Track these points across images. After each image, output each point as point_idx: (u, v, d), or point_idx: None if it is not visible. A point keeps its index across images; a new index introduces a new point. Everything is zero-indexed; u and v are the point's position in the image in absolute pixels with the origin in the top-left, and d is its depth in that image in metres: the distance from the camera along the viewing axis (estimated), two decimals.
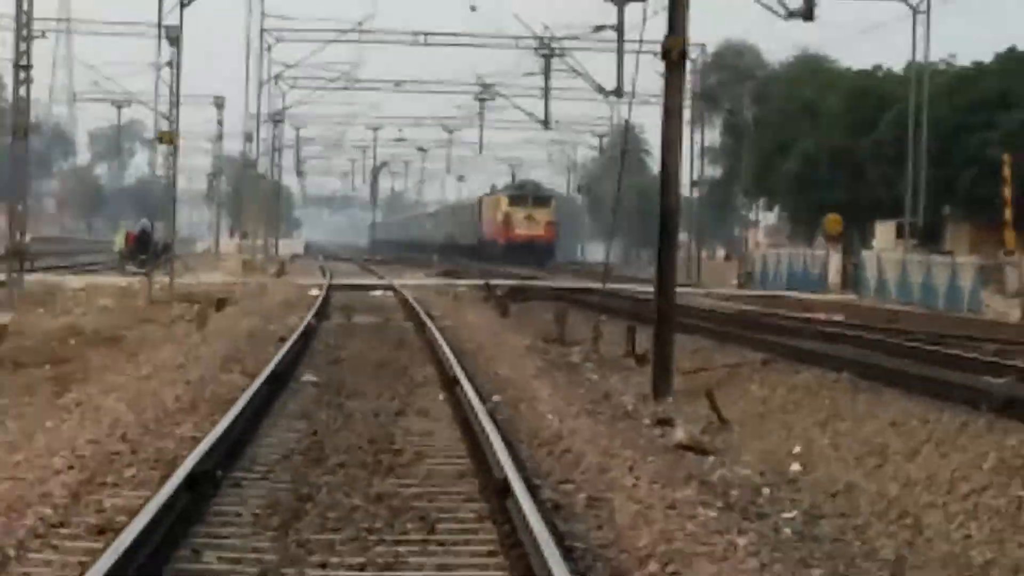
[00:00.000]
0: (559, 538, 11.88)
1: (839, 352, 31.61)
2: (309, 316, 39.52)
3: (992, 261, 64.58)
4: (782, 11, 51.75)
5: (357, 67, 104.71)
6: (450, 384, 24.16)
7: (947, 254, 70.21)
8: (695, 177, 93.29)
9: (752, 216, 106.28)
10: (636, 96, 50.95)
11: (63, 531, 12.44)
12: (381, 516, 13.91)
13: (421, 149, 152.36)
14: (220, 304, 46.02)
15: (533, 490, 14.05)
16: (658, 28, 29.77)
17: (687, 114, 33.47)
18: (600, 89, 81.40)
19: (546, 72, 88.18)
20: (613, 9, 72.21)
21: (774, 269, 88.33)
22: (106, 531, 12.00)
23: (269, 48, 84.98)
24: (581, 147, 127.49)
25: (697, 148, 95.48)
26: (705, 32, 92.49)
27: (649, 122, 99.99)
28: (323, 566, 11.71)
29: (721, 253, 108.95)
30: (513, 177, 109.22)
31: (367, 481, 15.80)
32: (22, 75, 52.83)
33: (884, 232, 76.94)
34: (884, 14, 66.00)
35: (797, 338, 36.28)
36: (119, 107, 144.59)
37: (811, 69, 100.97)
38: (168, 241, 63.88)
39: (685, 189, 60.25)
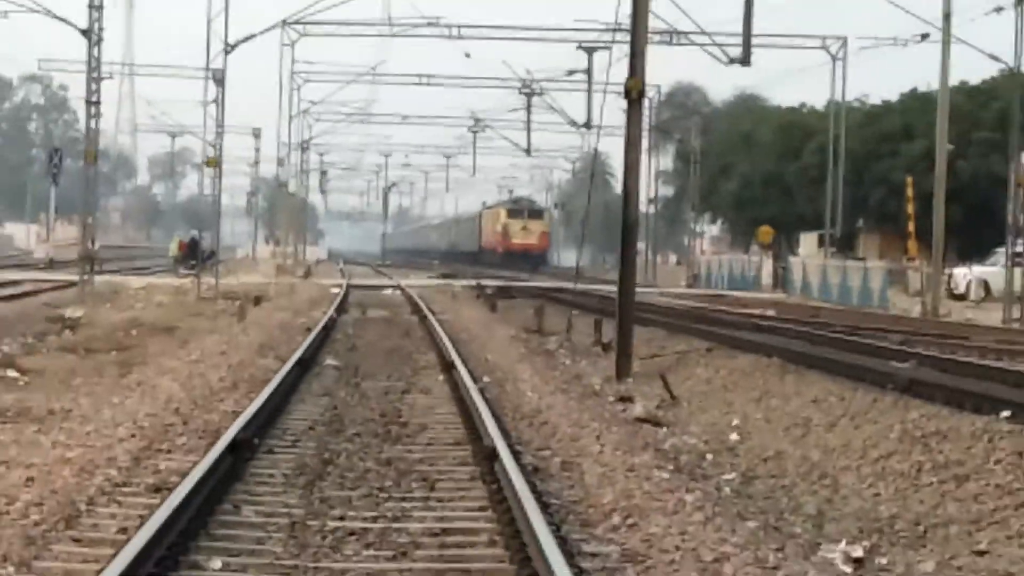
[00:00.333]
0: (538, 496, 11.89)
1: (771, 341, 31.63)
2: (331, 311, 39.48)
3: (897, 266, 64.71)
4: (724, 58, 51.74)
5: (371, 104, 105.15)
6: (448, 367, 24.16)
7: (860, 260, 70.28)
8: (651, 195, 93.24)
9: (698, 228, 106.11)
10: (603, 128, 51.17)
11: (125, 489, 12.46)
12: (390, 477, 13.98)
13: (425, 173, 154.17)
14: (257, 301, 45.97)
15: (516, 455, 14.07)
16: (621, 72, 29.83)
17: (645, 143, 33.47)
18: (573, 122, 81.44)
19: (528, 108, 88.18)
20: (584, 56, 72.36)
21: (717, 272, 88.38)
22: (161, 489, 12.01)
23: (299, 87, 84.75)
24: (557, 170, 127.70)
25: (653, 172, 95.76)
26: (660, 75, 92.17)
27: (613, 150, 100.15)
28: (342, 518, 11.74)
29: (673, 259, 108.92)
30: (510, 193, 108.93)
31: (378, 448, 15.86)
32: (92, 110, 52.70)
33: (808, 241, 77.02)
34: (808, 60, 66.18)
35: (736, 329, 36.31)
36: (173, 136, 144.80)
37: (747, 106, 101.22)
38: (213, 248, 63.77)
39: (643, 205, 60.10)
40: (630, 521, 11.69)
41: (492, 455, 13.97)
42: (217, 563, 9.97)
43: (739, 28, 49.24)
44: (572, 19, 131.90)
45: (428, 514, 12.11)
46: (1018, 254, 51.55)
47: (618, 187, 46.70)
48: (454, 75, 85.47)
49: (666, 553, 10.45)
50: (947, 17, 51.33)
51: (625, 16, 29.28)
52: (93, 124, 54.32)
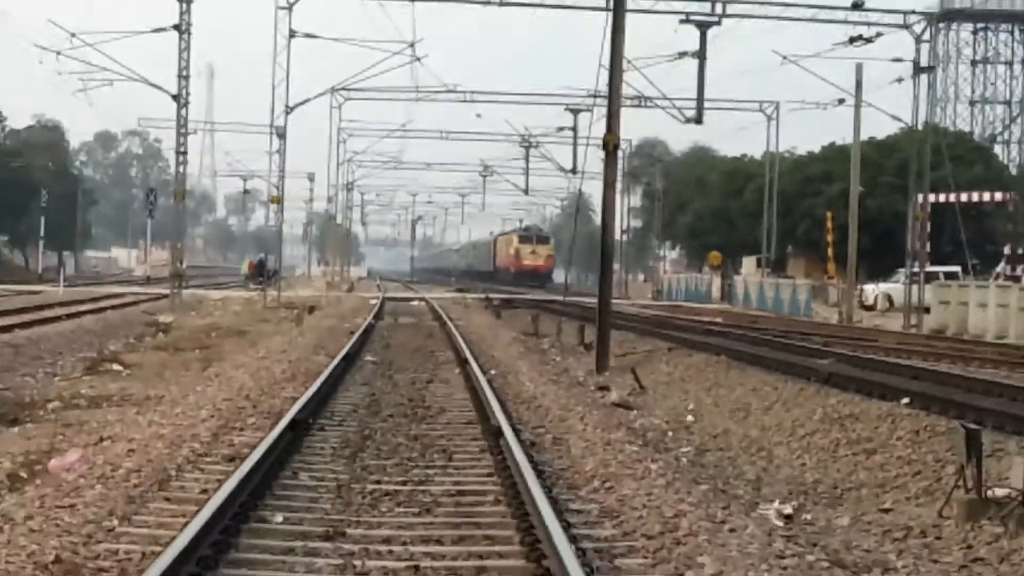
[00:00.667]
0: (534, 464, 11.92)
1: (718, 342, 31.59)
2: (369, 317, 39.46)
3: (819, 283, 64.67)
4: (682, 118, 51.69)
5: (401, 153, 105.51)
6: (463, 363, 24.14)
7: (789, 278, 70.34)
8: (624, 227, 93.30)
9: (661, 253, 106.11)
10: (585, 174, 51.24)
11: (206, 459, 12.48)
12: (416, 449, 13.99)
13: (445, 214, 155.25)
14: (311, 310, 45.93)
15: (517, 432, 14.06)
16: (600, 129, 30.06)
17: (619, 186, 33.47)
18: (562, 169, 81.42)
19: (526, 157, 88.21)
20: (570, 116, 72.56)
21: (676, 287, 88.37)
22: (235, 459, 12.02)
23: (344, 140, 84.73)
24: (549, 207, 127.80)
25: (625, 208, 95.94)
26: (630, 131, 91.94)
27: (594, 191, 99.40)
28: (378, 483, 11.77)
29: (641, 277, 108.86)
30: (520, 223, 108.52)
31: (407, 427, 15.84)
32: (180, 159, 52.75)
33: (748, 263, 76.96)
34: (748, 120, 66.43)
35: (691, 333, 36.27)
36: (244, 179, 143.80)
37: (700, 156, 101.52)
38: (276, 268, 63.84)
39: (617, 235, 60.10)
40: (607, 485, 11.70)
41: (498, 432, 14.00)
42: (279, 518, 9.99)
43: (694, 94, 49.17)
44: (561, 87, 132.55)
45: (447, 479, 12.15)
46: (915, 274, 51.63)
47: (598, 220, 46.91)
48: (468, 131, 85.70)
49: (635, 510, 10.46)
50: (859, 86, 51.44)
51: (603, 85, 29.37)
52: (181, 170, 54.42)
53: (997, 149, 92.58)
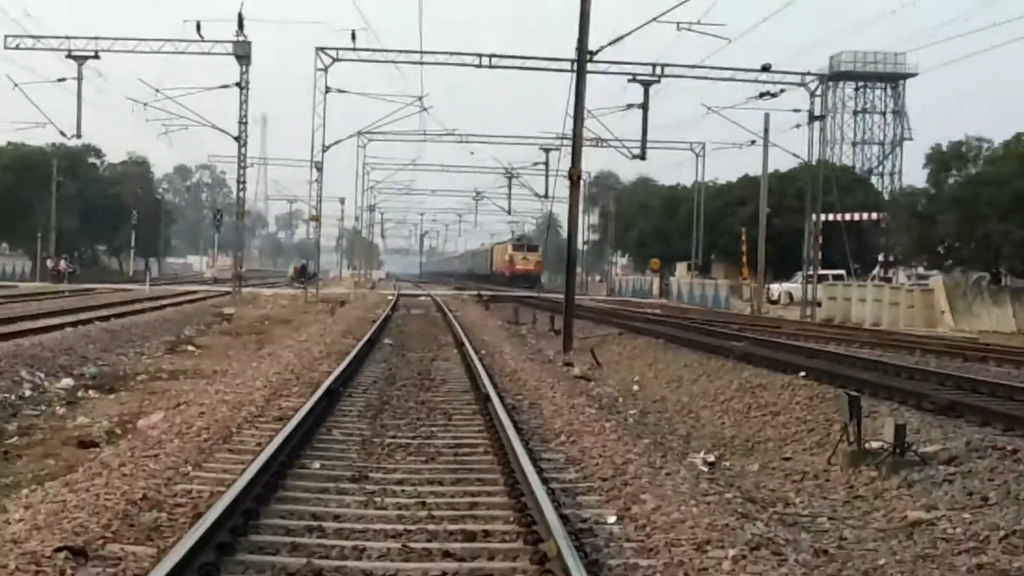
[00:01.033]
0: (515, 423, 11.91)
1: (657, 329, 31.67)
2: (387, 310, 39.43)
3: (735, 283, 64.77)
4: (629, 155, 51.79)
5: (412, 183, 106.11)
6: (459, 344, 24.13)
7: (712, 279, 70.56)
8: (585, 239, 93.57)
9: (613, 259, 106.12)
10: (555, 198, 51.56)
11: (260, 419, 12.47)
12: (423, 411, 13.97)
13: (447, 230, 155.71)
14: (342, 303, 45.91)
15: (501, 398, 14.06)
16: (566, 163, 30.00)
17: (581, 208, 33.58)
18: (537, 194, 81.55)
19: (509, 185, 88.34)
20: (543, 154, 72.81)
21: (624, 287, 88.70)
22: (283, 419, 12.00)
23: (368, 172, 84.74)
24: (527, 224, 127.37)
25: (585, 225, 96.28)
26: (590, 165, 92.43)
27: (561, 211, 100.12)
28: (394, 437, 11.78)
29: (598, 278, 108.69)
30: (512, 233, 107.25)
31: (416, 394, 15.81)
32: (240, 186, 52.77)
33: (681, 268, 77.07)
34: (682, 156, 66.91)
35: (636, 322, 36.33)
36: (290, 202, 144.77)
37: (644, 185, 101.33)
38: (315, 271, 63.86)
39: (580, 246, 60.23)
40: (572, 439, 11.73)
41: (486, 398, 14.01)
42: (317, 464, 10.00)
43: (639, 137, 49.21)
44: (537, 131, 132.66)
45: (447, 435, 12.15)
46: (809, 276, 51.83)
47: (565, 234, 47.05)
48: (463, 165, 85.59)
49: (593, 459, 10.49)
50: (766, 130, 51.57)
51: (569, 130, 29.43)
52: (241, 195, 54.47)
53: (874, 180, 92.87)
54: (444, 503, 8.64)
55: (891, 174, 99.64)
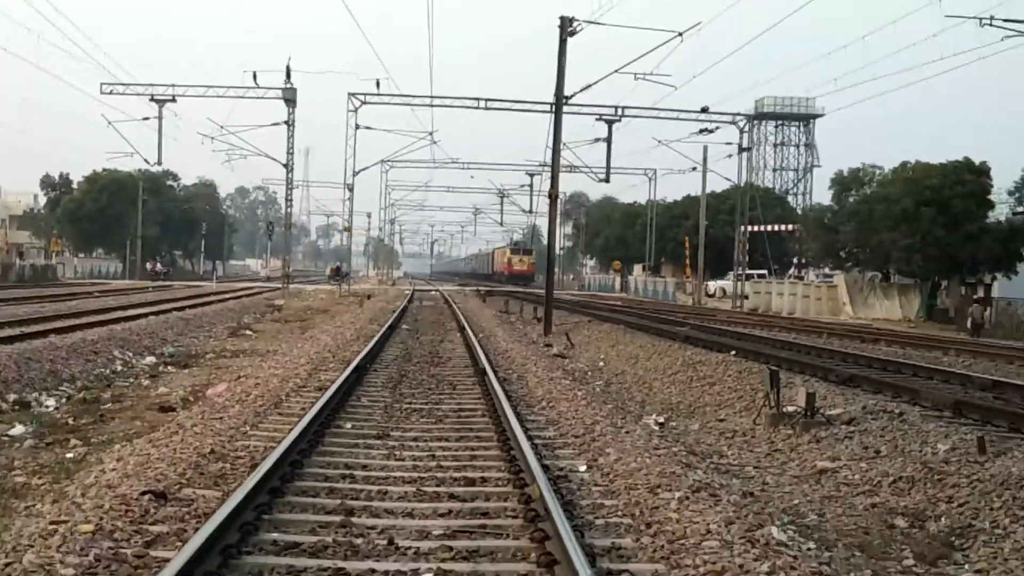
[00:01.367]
0: (505, 392, 11.91)
1: (619, 317, 31.69)
2: (405, 302, 39.38)
3: (680, 280, 64.78)
4: (596, 179, 51.80)
5: (424, 201, 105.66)
6: (461, 329, 24.10)
7: (662, 277, 70.53)
8: (561, 246, 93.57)
9: (584, 262, 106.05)
10: (537, 213, 51.44)
11: (304, 389, 12.44)
12: (433, 383, 13.95)
13: (452, 238, 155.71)
14: (368, 297, 45.81)
15: (495, 372, 14.07)
16: (546, 185, 30.02)
17: (558, 221, 33.43)
18: (523, 210, 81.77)
19: (501, 203, 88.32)
20: (528, 177, 72.91)
21: (593, 283, 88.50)
22: (322, 389, 11.97)
23: (389, 192, 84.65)
24: (515, 234, 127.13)
25: (562, 234, 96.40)
26: (565, 186, 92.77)
27: (543, 223, 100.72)
28: (410, 403, 11.76)
29: (571, 277, 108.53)
30: (510, 239, 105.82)
31: (427, 369, 15.79)
32: (288, 204, 52.54)
33: (637, 269, 77.02)
34: (637, 180, 67.09)
35: (602, 311, 36.35)
36: (327, 216, 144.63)
37: (608, 203, 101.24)
38: (347, 271, 63.74)
39: (557, 250, 60.28)
40: (551, 404, 11.74)
41: (483, 372, 14.00)
42: (348, 425, 10.00)
43: (604, 164, 49.13)
44: (523, 159, 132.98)
45: (452, 401, 12.13)
46: (739, 275, 51.93)
47: (546, 242, 46.98)
48: (465, 186, 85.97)
49: (566, 420, 10.50)
50: (705, 159, 51.52)
51: (549, 159, 29.36)
52: (288, 210, 54.12)
53: (790, 199, 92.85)
54: (449, 455, 8.65)
55: (803, 194, 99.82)
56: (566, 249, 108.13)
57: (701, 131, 47.31)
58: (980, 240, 41.87)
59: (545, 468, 7.55)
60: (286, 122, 49.33)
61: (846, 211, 49.42)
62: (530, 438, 8.83)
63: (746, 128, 50.15)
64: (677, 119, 47.33)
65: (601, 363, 19.94)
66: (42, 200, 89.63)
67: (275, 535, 5.94)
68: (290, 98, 48.30)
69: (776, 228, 64.74)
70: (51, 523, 5.85)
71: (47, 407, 12.27)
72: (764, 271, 60.21)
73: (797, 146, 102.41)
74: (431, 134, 54.89)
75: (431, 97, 48.93)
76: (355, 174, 54.74)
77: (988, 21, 23.28)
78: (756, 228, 58.35)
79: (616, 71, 29.52)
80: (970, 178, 42.98)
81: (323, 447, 8.71)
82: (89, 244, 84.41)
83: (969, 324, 33.15)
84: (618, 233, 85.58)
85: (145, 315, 25.72)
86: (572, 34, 26.97)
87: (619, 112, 45.71)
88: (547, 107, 32.27)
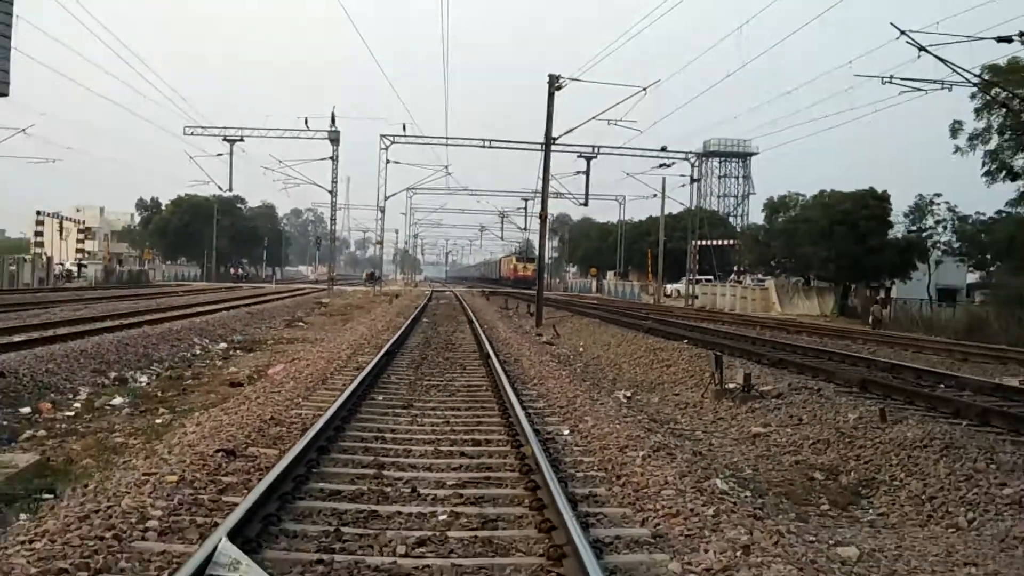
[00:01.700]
0: (505, 372, 11.85)
1: (596, 312, 31.64)
2: (425, 300, 39.33)
3: (644, 284, 64.64)
4: (577, 203, 51.81)
5: (440, 220, 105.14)
6: (470, 322, 24.05)
7: (630, 281, 70.35)
8: (549, 256, 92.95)
9: (567, 269, 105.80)
10: (530, 230, 51.27)
11: (345, 369, 12.38)
12: (447, 364, 13.87)
13: (462, 249, 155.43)
14: (396, 296, 45.73)
15: (497, 356, 14.00)
16: (538, 208, 29.86)
17: (547, 236, 33.25)
18: (519, 228, 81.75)
19: (501, 223, 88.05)
20: (523, 201, 73.03)
21: (575, 286, 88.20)
22: (359, 369, 11.93)
23: (412, 213, 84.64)
24: (513, 246, 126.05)
25: (550, 247, 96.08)
26: (553, 209, 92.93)
27: (535, 239, 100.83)
28: (429, 380, 11.67)
29: (557, 281, 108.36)
30: (522, 246, 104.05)
31: (443, 353, 15.72)
32: (332, 223, 52.40)
33: (610, 274, 76.86)
34: (609, 204, 67.57)
35: (581, 308, 36.28)
36: (363, 232, 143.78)
37: (587, 222, 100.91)
38: (379, 275, 63.70)
39: (546, 260, 60.29)
40: (541, 382, 11.68)
41: (487, 356, 13.94)
42: (380, 397, 9.96)
43: (583, 191, 49.05)
44: (519, 186, 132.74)
45: (462, 379, 12.04)
46: (690, 280, 51.92)
47: (534, 253, 47.09)
48: (473, 209, 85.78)
49: (553, 394, 10.47)
50: (663, 188, 51.44)
51: (539, 187, 29.29)
52: (332, 228, 54.07)
53: (731, 220, 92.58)
54: (460, 422, 8.63)
55: (742, 216, 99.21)
56: (553, 259, 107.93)
57: (661, 165, 47.32)
58: (882, 252, 42.13)
59: (536, 432, 7.54)
60: (331, 157, 49.26)
61: (776, 229, 49.45)
62: (524, 408, 8.81)
63: (696, 163, 50.20)
64: (642, 156, 47.35)
65: (581, 349, 19.90)
66: (137, 218, 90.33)
67: (321, 485, 5.92)
68: (334, 139, 48.24)
69: (720, 243, 64.74)
70: (144, 474, 5.84)
71: (141, 383, 12.26)
72: (710, 277, 60.14)
73: (737, 178, 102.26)
74: (446, 167, 54.97)
75: (446, 138, 49.44)
76: (386, 199, 54.85)
77: (889, 79, 23.23)
78: (704, 243, 58.43)
79: (593, 118, 29.45)
80: (874, 203, 43.12)
81: (360, 415, 8.68)
82: (174, 253, 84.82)
83: (871, 319, 33.18)
84: (595, 246, 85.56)
85: (218, 310, 25.69)
86: (559, 88, 26.95)
87: (595, 150, 45.66)
88: (538, 146, 32.19)
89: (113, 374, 12.54)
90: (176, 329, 18.27)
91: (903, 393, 11.45)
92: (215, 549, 4.07)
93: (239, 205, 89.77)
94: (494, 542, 4.82)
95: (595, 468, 6.66)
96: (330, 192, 50.78)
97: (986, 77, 28.21)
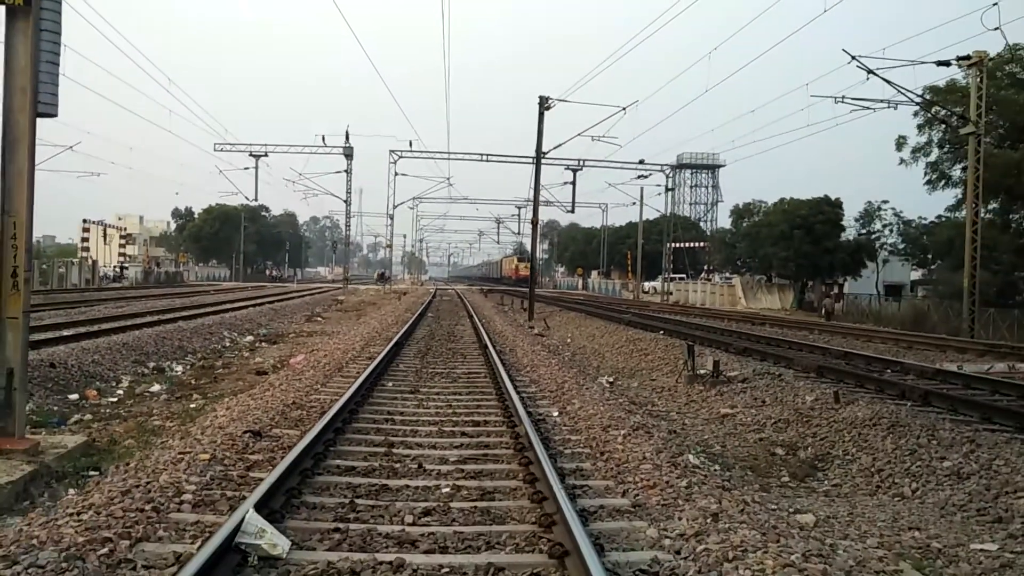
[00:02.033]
0: (501, 360, 11.82)
1: (581, 307, 31.57)
2: (430, 298, 39.27)
3: (624, 281, 64.62)
4: (564, 211, 51.76)
5: (443, 226, 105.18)
6: (470, 316, 24.01)
7: (612, 279, 70.31)
8: (540, 257, 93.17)
9: (556, 269, 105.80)
10: (523, 234, 51.06)
11: (359, 358, 12.31)
12: (449, 354, 13.81)
13: (463, 252, 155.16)
14: (404, 293, 45.65)
15: (494, 346, 13.97)
16: (530, 214, 29.77)
17: (538, 240, 33.26)
18: (513, 232, 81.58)
19: (498, 228, 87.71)
20: (516, 209, 72.81)
21: (563, 284, 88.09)
22: (371, 358, 11.89)
23: (418, 220, 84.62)
24: (507, 249, 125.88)
25: (541, 249, 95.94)
26: (543, 216, 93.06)
27: (527, 242, 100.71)
28: (434, 368, 11.62)
29: (547, 279, 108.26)
30: (516, 249, 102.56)
31: (446, 344, 15.66)
32: (346, 229, 52.19)
33: (594, 274, 76.86)
34: (593, 211, 67.36)
35: (569, 303, 36.16)
36: (375, 236, 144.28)
37: (574, 228, 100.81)
38: (389, 276, 63.52)
39: (539, 262, 60.16)
40: (533, 369, 11.65)
41: (486, 346, 13.91)
42: (390, 383, 9.93)
43: (570, 200, 49.04)
44: (513, 195, 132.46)
45: (463, 367, 11.98)
46: (665, 278, 51.92)
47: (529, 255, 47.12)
48: (471, 215, 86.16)
49: (545, 380, 10.45)
50: (641, 197, 51.41)
51: (531, 196, 29.23)
52: (347, 233, 53.92)
53: (702, 225, 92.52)
54: (462, 405, 8.61)
55: (711, 221, 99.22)
56: (543, 260, 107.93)
57: (639, 176, 47.30)
58: (835, 253, 42.39)
59: (529, 413, 7.53)
60: (345, 171, 49.19)
61: (741, 233, 49.61)
62: (518, 392, 8.80)
63: (670, 175, 50.18)
64: (622, 168, 47.31)
65: (569, 340, 19.87)
66: (172, 225, 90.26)
67: (338, 461, 5.91)
68: (348, 154, 48.17)
69: (692, 245, 64.83)
70: (179, 453, 5.82)
71: (176, 371, 12.22)
72: (683, 275, 60.24)
73: (707, 187, 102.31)
74: (448, 179, 55.20)
75: (448, 153, 49.42)
76: (395, 207, 54.67)
77: (841, 99, 23.26)
78: (678, 245, 58.48)
79: (579, 134, 29.52)
80: (828, 209, 43.28)
81: (372, 399, 8.66)
82: (206, 257, 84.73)
83: (823, 312, 33.25)
84: (581, 248, 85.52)
85: (246, 307, 25.62)
86: (548, 108, 26.93)
87: (581, 163, 45.68)
88: (530, 159, 32.15)
89: (152, 364, 12.50)
90: (208, 324, 18.21)
91: (855, 378, 11.48)
92: (243, 519, 4.06)
93: (264, 213, 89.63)
94: (492, 512, 4.82)
95: (581, 445, 6.66)
96: (345, 201, 50.72)
97: (927, 97, 28.30)
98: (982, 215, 23.84)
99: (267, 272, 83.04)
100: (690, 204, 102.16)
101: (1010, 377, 12.28)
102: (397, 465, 5.89)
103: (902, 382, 11.00)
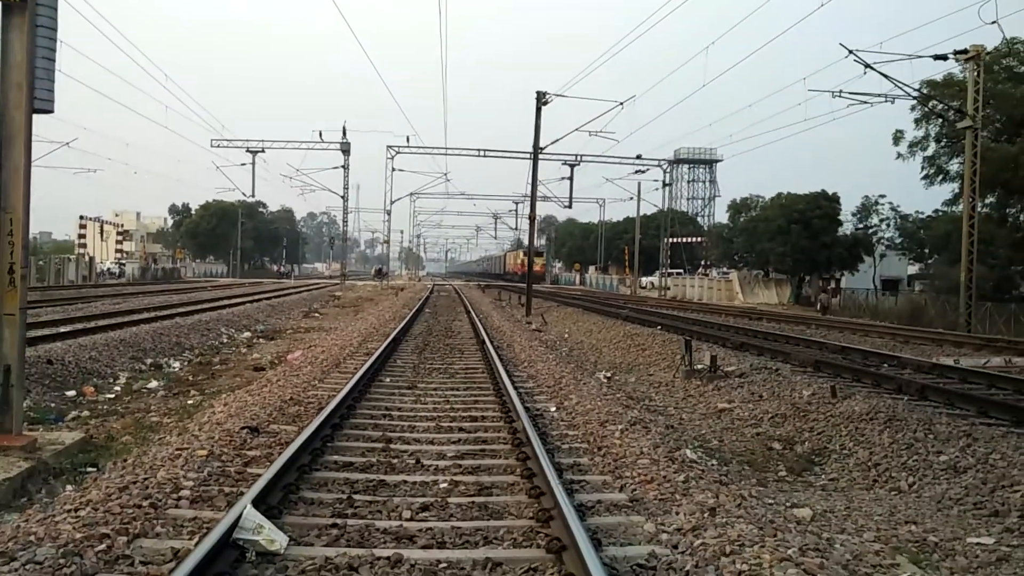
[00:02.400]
0: (499, 356, 11.81)
1: (579, 302, 31.58)
2: (427, 293, 39.24)
3: (622, 277, 64.68)
4: (562, 206, 51.88)
5: (441, 221, 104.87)
6: (468, 312, 23.99)
7: (610, 275, 70.38)
8: (538, 253, 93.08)
9: (554, 264, 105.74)
10: (520, 230, 51.11)
11: (356, 354, 12.29)
12: (447, 349, 13.80)
13: (460, 247, 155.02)
14: (402, 289, 45.65)
15: (491, 342, 13.98)
16: (527, 209, 29.77)
17: (535, 235, 33.29)
18: (511, 227, 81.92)
19: (495, 224, 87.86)
20: (514, 205, 72.91)
21: (561, 279, 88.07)
22: (369, 354, 11.89)
23: (416, 215, 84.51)
24: (505, 245, 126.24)
25: (538, 245, 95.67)
26: (541, 211, 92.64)
27: (524, 238, 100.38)
28: (431, 363, 11.61)
29: (546, 275, 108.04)
30: (519, 244, 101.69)
31: (444, 339, 15.65)
32: (344, 225, 52.16)
33: (592, 269, 76.92)
34: (590, 206, 67.19)
35: (567, 298, 36.21)
36: (372, 232, 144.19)
37: (571, 223, 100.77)
38: (387, 271, 63.44)
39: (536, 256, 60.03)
40: (531, 364, 11.65)
41: (483, 341, 13.91)
42: (387, 379, 9.92)
43: (568, 195, 49.06)
44: (511, 191, 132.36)
45: (461, 362, 11.98)
46: (663, 273, 51.91)
47: (540, 248, 47.02)
48: (469, 211, 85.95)
49: (542, 375, 10.45)
50: (639, 191, 51.49)
51: (528, 191, 29.22)
52: (344, 229, 53.87)
53: (699, 219, 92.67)
54: (459, 401, 8.60)
55: (708, 216, 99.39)
56: (541, 255, 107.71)
57: (636, 172, 47.26)
58: (832, 247, 42.41)
59: (527, 409, 7.53)
60: (343, 166, 49.10)
61: (738, 228, 49.61)
62: (516, 388, 8.80)
63: (668, 170, 50.18)
64: (619, 163, 47.26)
65: (566, 335, 19.87)
66: (170, 222, 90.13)
67: (335, 457, 5.90)
68: (345, 149, 48.07)
69: (689, 240, 64.78)
70: (177, 449, 5.81)
71: (174, 368, 12.21)
72: (680, 270, 60.27)
73: (704, 182, 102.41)
74: (446, 175, 55.42)
75: (445, 148, 49.31)
76: (392, 203, 54.58)
77: (838, 93, 23.24)
78: (675, 240, 58.43)
79: (576, 129, 29.63)
80: (825, 204, 43.30)
81: (369, 395, 8.65)
82: (203, 253, 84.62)
83: (819, 307, 33.32)
84: (578, 244, 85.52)
85: (243, 303, 25.59)
86: (545, 103, 26.87)
87: (578, 158, 45.58)
88: (528, 155, 32.15)
89: (149, 360, 12.48)
90: (205, 320, 18.19)
91: (851, 372, 11.50)
92: (241, 515, 4.06)
93: (261, 209, 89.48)
94: (489, 507, 4.82)
95: (579, 440, 6.66)
96: (342, 197, 50.63)
97: (924, 91, 28.32)
98: (979, 209, 23.86)
99: (276, 268, 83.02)
100: (687, 199, 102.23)
101: (1006, 371, 12.32)
102: (395, 460, 5.89)
103: (899, 376, 11.02)
